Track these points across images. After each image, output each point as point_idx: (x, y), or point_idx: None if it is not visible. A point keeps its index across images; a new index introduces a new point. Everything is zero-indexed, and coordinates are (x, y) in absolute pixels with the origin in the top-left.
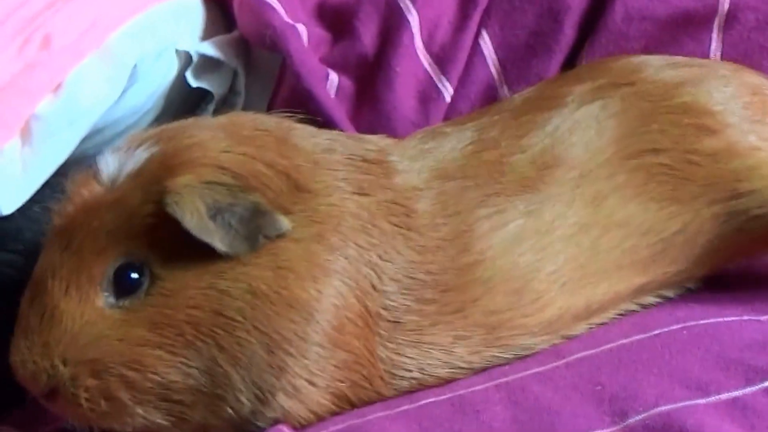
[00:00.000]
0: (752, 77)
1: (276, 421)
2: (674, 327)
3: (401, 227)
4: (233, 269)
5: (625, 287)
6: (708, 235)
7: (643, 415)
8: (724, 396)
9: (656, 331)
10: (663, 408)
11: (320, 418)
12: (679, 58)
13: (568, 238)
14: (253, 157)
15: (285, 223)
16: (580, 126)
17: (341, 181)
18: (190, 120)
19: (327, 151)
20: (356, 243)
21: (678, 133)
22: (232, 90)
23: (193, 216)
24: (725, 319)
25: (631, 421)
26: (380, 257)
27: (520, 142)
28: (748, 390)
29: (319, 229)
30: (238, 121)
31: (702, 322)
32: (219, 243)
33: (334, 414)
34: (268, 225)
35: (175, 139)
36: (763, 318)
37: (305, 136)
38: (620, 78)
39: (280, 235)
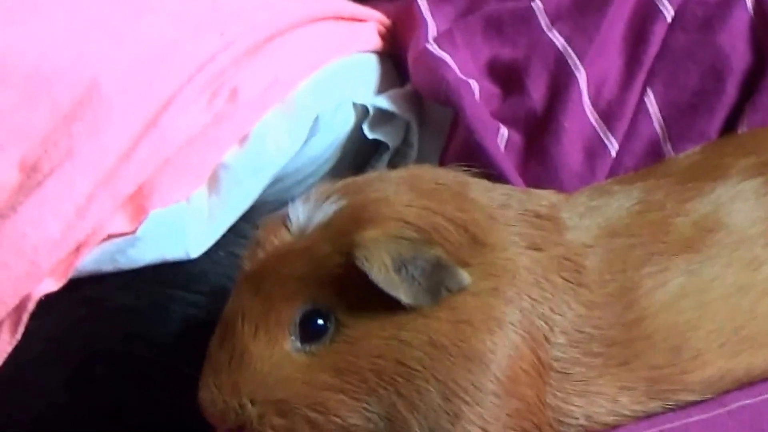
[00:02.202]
0: None
1: None
2: None
3: (572, 282)
4: (414, 321)
5: None
6: None
7: None
8: None
9: None
10: None
11: None
12: None
13: (726, 298)
14: (434, 212)
15: (466, 276)
16: (742, 197)
17: (516, 236)
18: (374, 174)
19: (502, 206)
20: (530, 296)
21: None
22: (405, 142)
23: (381, 270)
24: None
25: None
26: (552, 310)
27: (684, 206)
28: None
29: (496, 282)
30: (418, 175)
31: None
32: (404, 296)
33: None
34: (450, 278)
35: (362, 193)
36: None
37: (481, 190)
38: None
39: (461, 289)
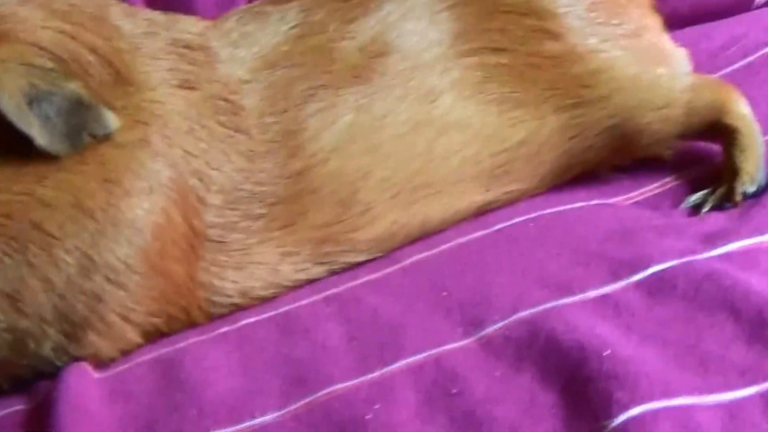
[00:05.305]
0: None
1: (77, 359)
2: (517, 220)
3: (229, 128)
4: (56, 175)
5: (466, 205)
6: (556, 151)
7: (501, 324)
8: (592, 293)
9: (498, 226)
10: (523, 313)
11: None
12: None
13: (399, 138)
14: (72, 37)
15: (113, 119)
16: (413, 15)
17: (165, 72)
18: None
19: (148, 34)
20: (183, 148)
21: (519, 35)
22: None
23: (12, 99)
24: (573, 206)
25: (488, 330)
26: (208, 165)
27: (349, 27)
28: (617, 285)
29: (144, 131)
30: None
31: (548, 211)
32: (37, 135)
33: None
34: (94, 121)
35: None
36: (613, 201)
37: (122, 14)
38: None
39: (107, 136)
